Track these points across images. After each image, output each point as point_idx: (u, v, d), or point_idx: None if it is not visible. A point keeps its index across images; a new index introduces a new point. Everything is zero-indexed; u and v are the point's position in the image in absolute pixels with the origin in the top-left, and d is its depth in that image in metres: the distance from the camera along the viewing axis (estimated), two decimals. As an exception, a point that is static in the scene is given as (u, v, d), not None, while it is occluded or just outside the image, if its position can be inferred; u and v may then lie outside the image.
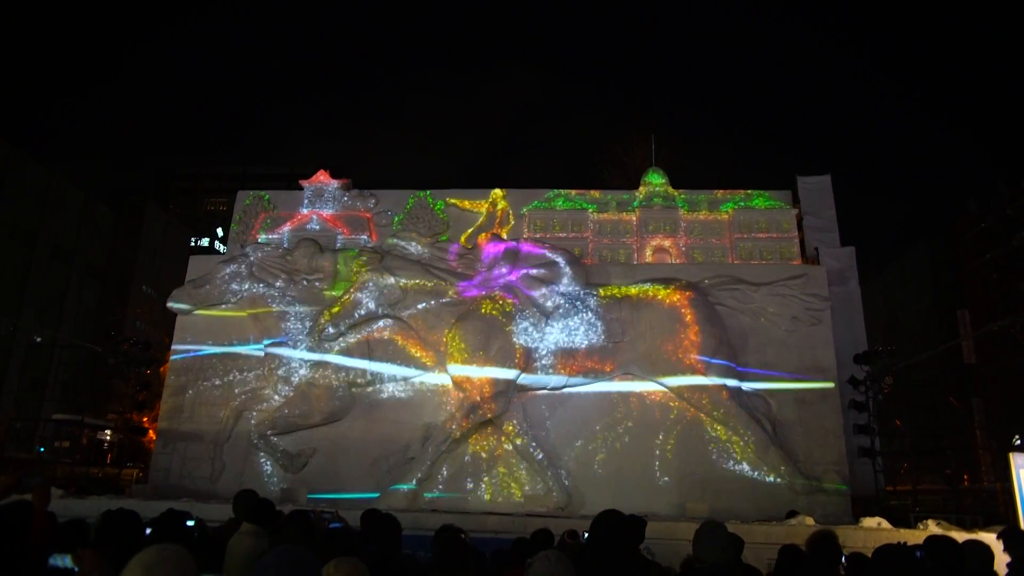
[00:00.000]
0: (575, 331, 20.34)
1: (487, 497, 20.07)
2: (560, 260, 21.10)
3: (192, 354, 22.04)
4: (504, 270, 20.92)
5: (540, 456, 20.08)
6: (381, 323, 21.29)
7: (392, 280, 20.81)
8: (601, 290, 20.99)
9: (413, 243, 21.64)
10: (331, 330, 20.64)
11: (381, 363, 21.21)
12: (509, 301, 20.54)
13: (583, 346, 20.27)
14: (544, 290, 20.61)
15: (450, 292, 20.85)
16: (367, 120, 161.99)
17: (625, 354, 20.29)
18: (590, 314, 20.46)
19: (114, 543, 4.29)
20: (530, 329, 20.24)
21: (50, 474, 26.59)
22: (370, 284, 20.90)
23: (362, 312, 20.79)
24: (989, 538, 6.25)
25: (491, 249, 21.29)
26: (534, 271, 20.87)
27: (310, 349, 21.11)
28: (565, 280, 20.83)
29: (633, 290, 20.87)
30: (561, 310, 20.45)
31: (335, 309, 20.81)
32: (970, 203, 47.84)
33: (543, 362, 20.22)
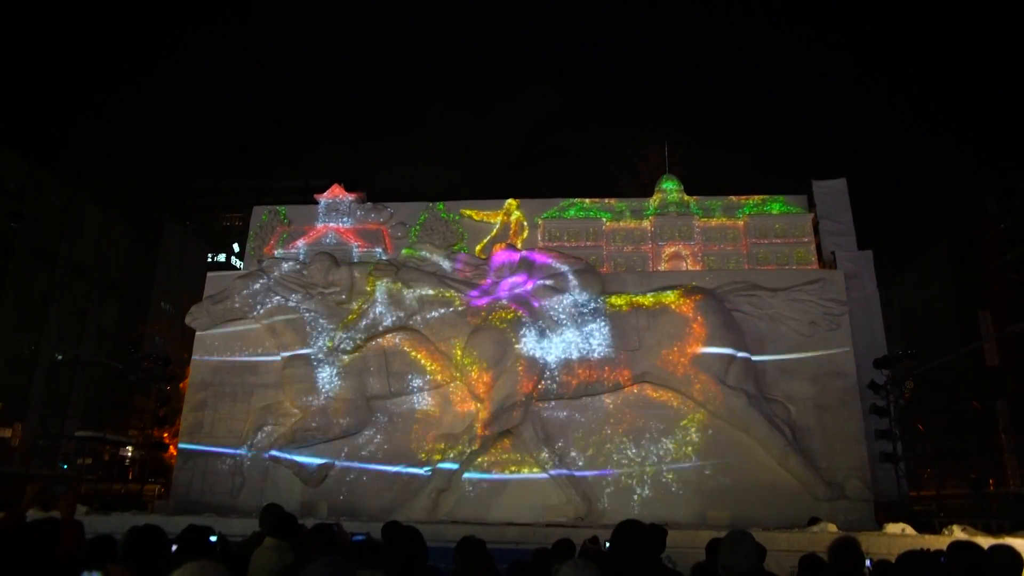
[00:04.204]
0: (591, 340, 20.32)
1: (506, 508, 20.04)
2: (575, 269, 21.11)
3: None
4: (519, 280, 20.95)
5: (559, 466, 20.05)
6: (397, 335, 21.40)
7: (408, 292, 20.89)
8: (616, 298, 20.97)
9: (428, 255, 21.72)
10: (348, 343, 20.74)
11: (398, 375, 21.30)
12: (524, 311, 20.56)
13: (599, 355, 20.24)
14: (559, 299, 20.61)
15: (466, 303, 20.88)
16: (382, 134, 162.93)
17: (642, 362, 20.24)
18: (605, 323, 20.44)
19: (142, 559, 4.35)
20: (546, 339, 20.25)
21: (74, 489, 26.83)
22: (386, 296, 20.99)
23: (379, 324, 20.88)
24: (1017, 543, 6.18)
25: (506, 259, 21.33)
26: (549, 281, 20.88)
27: (327, 362, 21.23)
28: (580, 289, 20.83)
29: (649, 298, 20.83)
30: (577, 319, 20.45)
31: (352, 322, 20.91)
32: (990, 203, 47.52)
33: (559, 371, 20.20)
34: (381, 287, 21.00)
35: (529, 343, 20.05)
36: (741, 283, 21.47)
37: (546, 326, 20.37)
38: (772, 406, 20.16)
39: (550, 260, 21.41)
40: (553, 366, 20.19)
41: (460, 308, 20.77)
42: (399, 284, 20.92)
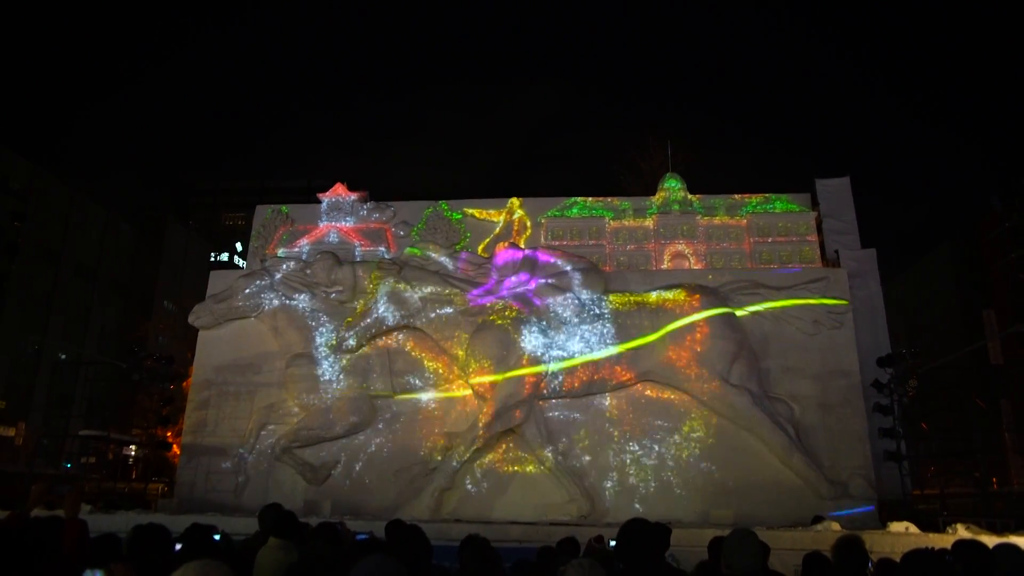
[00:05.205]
0: (595, 339, 20.29)
1: (510, 506, 20.03)
2: (578, 268, 21.09)
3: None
4: (522, 279, 20.93)
5: (562, 464, 20.02)
6: (401, 334, 21.39)
7: (411, 291, 20.88)
8: (620, 297, 20.93)
9: (431, 253, 21.72)
10: (351, 342, 20.72)
11: (401, 374, 21.30)
12: (528, 310, 20.54)
13: (603, 353, 20.21)
14: (562, 298, 20.58)
15: (469, 301, 20.87)
16: (385, 134, 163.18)
17: (646, 360, 20.21)
18: (609, 321, 20.42)
19: (145, 557, 4.35)
20: (550, 337, 20.23)
21: (78, 489, 26.85)
22: (389, 295, 20.98)
23: (382, 323, 20.88)
24: (1021, 541, 6.15)
25: (509, 258, 21.31)
26: (552, 280, 20.86)
27: (331, 361, 21.22)
28: (584, 288, 20.81)
29: (652, 297, 20.80)
30: (581, 318, 20.42)
31: (355, 321, 20.90)
32: (994, 201, 47.34)
33: (563, 370, 20.17)
34: (384, 286, 20.99)
35: (532, 342, 20.03)
36: (744, 281, 21.43)
37: (550, 325, 20.35)
38: (775, 405, 20.13)
39: (553, 259, 21.38)
40: (557, 365, 20.16)
41: (463, 307, 20.76)
42: (402, 283, 20.90)
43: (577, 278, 20.92)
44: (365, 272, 21.89)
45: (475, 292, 20.94)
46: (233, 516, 17.34)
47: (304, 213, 25.11)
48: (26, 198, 43.87)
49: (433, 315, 20.75)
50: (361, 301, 21.56)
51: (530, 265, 21.15)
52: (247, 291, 21.95)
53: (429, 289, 20.89)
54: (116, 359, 32.07)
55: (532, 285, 20.86)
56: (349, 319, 21.14)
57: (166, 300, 53.70)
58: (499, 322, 20.28)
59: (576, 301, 20.61)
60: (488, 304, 20.75)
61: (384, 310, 20.85)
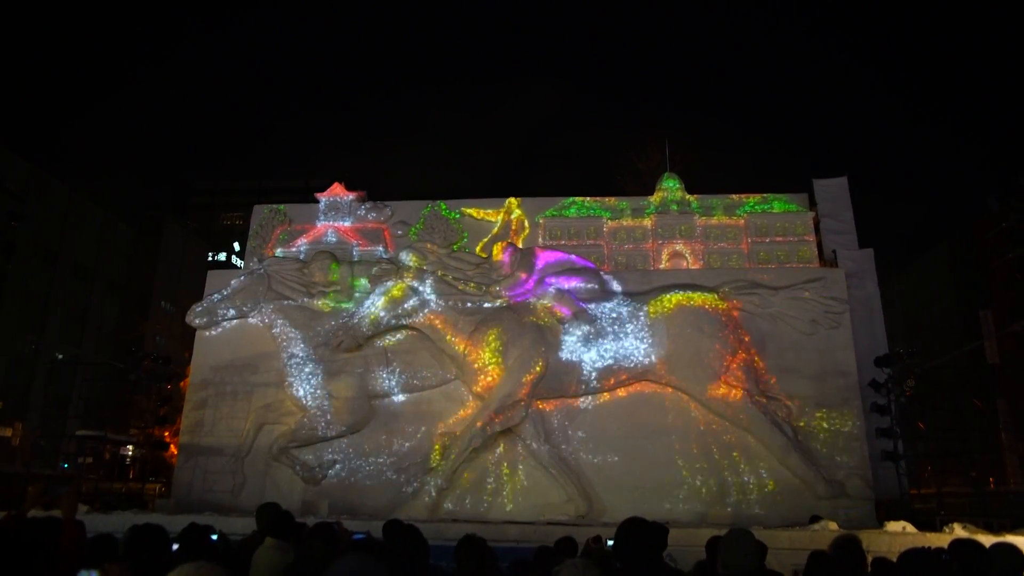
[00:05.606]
0: (594, 338, 20.28)
1: (507, 506, 20.04)
2: (577, 268, 21.10)
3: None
4: (521, 278, 20.93)
5: (560, 464, 20.03)
6: (399, 334, 21.38)
7: (409, 290, 20.87)
8: (619, 297, 20.94)
9: (429, 253, 21.70)
10: (349, 341, 20.70)
11: (399, 373, 21.29)
12: (526, 309, 20.54)
13: (602, 354, 20.21)
14: (561, 298, 20.58)
15: (466, 301, 20.86)
16: (384, 134, 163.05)
17: (643, 361, 20.21)
18: (609, 322, 20.41)
19: (142, 558, 4.34)
20: (548, 337, 20.22)
21: (75, 489, 26.79)
22: (387, 295, 20.95)
23: (380, 323, 20.85)
24: (1018, 541, 6.17)
25: (507, 258, 21.30)
26: (552, 280, 20.87)
27: (328, 361, 21.20)
28: (582, 288, 20.81)
29: (650, 297, 20.79)
30: (579, 318, 20.41)
31: (353, 321, 20.88)
32: (991, 202, 47.49)
33: (562, 370, 20.16)
34: (382, 286, 20.97)
35: (531, 341, 20.00)
36: (742, 281, 21.43)
37: (548, 324, 20.34)
38: (773, 405, 20.14)
39: (553, 259, 21.39)
40: (555, 365, 20.13)
41: (461, 306, 20.76)
42: (401, 282, 20.89)
43: (575, 278, 20.92)
44: (363, 272, 21.86)
45: (475, 292, 20.92)
46: (230, 516, 17.32)
47: (302, 213, 25.06)
48: (24, 198, 43.81)
49: (431, 314, 20.73)
50: (359, 301, 21.57)
51: (530, 265, 21.15)
52: (244, 291, 21.93)
53: (427, 289, 20.88)
54: (113, 359, 32.09)
55: (531, 285, 20.87)
56: (347, 319, 21.11)
57: (164, 300, 53.71)
58: (498, 321, 20.27)
59: (575, 301, 20.61)
60: (487, 303, 20.80)
61: (382, 309, 20.82)
